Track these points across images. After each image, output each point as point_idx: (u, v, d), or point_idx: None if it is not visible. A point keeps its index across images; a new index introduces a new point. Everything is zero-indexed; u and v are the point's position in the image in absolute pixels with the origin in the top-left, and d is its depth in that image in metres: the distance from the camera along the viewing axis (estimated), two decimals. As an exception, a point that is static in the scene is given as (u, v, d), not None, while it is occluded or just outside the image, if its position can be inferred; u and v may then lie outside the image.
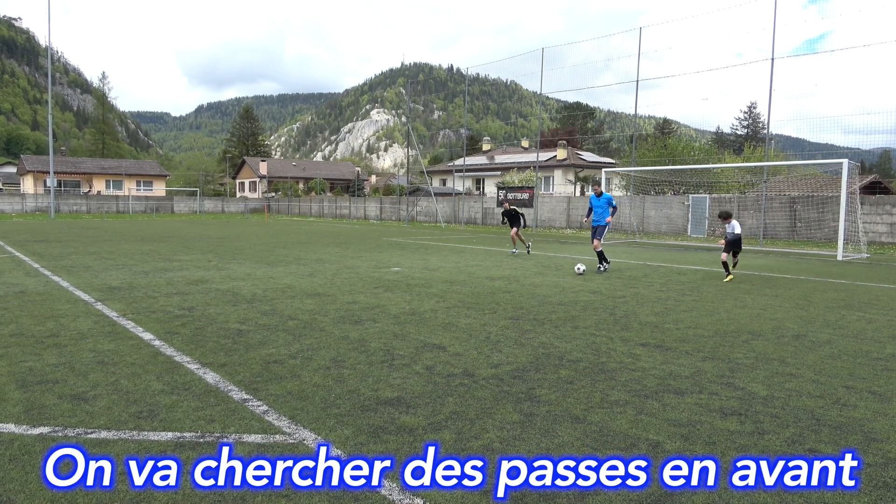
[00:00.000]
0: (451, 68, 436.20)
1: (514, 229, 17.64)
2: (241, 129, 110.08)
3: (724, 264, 11.90)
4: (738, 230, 12.07)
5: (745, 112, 78.97)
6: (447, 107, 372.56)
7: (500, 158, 63.29)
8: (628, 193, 32.63)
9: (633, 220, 30.38)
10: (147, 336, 6.36)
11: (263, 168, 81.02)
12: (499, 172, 55.20)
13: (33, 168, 69.03)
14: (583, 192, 50.88)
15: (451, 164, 64.97)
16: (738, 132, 78.46)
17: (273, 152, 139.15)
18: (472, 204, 42.87)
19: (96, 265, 13.00)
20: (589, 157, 59.56)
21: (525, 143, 71.86)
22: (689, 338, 6.68)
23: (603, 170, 27.53)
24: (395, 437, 3.74)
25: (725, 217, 12.24)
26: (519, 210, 17.95)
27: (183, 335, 6.41)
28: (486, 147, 75.04)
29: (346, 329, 6.85)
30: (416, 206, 46.71)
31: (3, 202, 54.38)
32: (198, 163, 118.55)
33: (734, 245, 12.10)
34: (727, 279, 11.68)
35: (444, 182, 65.11)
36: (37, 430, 3.77)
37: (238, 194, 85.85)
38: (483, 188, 60.50)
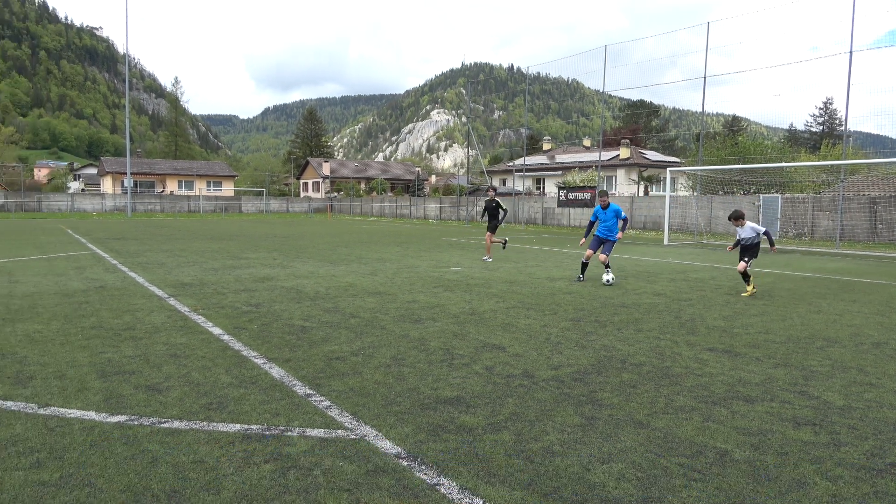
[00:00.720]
0: (511, 67, 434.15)
1: (490, 234, 15.33)
2: (306, 130, 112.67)
3: (744, 275, 9.95)
4: (752, 233, 10.00)
5: (821, 108, 75.45)
6: (507, 106, 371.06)
7: (561, 158, 62.57)
8: (695, 193, 31.68)
9: (701, 220, 29.46)
10: (216, 331, 6.59)
11: (326, 168, 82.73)
12: (559, 172, 54.59)
13: (112, 169, 72.69)
14: (646, 192, 49.72)
15: (511, 163, 64.66)
16: (813, 129, 75.02)
17: (336, 153, 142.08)
18: (532, 204, 42.54)
19: (169, 262, 13.56)
20: (653, 156, 58.15)
21: (587, 142, 70.78)
22: (760, 343, 6.42)
23: (668, 169, 26.82)
24: (454, 437, 3.75)
25: (737, 218, 10.06)
26: (503, 205, 15.39)
27: (250, 331, 6.62)
28: (546, 146, 74.32)
29: (406, 328, 6.91)
30: (475, 205, 46.72)
31: (85, 202, 57.48)
32: (264, 164, 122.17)
33: (749, 252, 10.02)
34: (748, 293, 9.79)
35: (503, 182, 64.87)
36: (115, 419, 3.96)
37: (302, 194, 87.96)
38: (543, 188, 59.95)
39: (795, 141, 66.07)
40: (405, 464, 3.36)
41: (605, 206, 11.58)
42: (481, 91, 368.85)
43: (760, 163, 31.57)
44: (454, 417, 4.08)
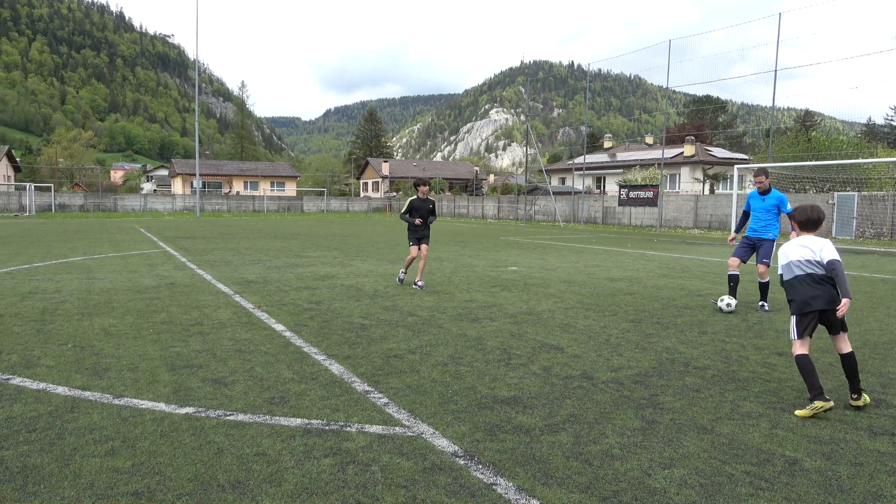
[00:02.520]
0: (571, 65, 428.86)
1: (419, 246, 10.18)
2: (366, 131, 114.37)
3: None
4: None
5: (903, 101, 71.22)
6: (567, 104, 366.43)
7: (623, 156, 61.35)
8: (763, 191, 30.45)
9: (769, 219, 28.30)
10: (279, 327, 6.77)
11: (385, 168, 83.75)
12: (620, 170, 53.54)
13: (182, 171, 75.69)
14: (712, 190, 48.19)
15: (571, 162, 63.84)
16: (894, 123, 70.97)
17: (395, 153, 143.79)
18: (593, 203, 41.88)
19: (235, 260, 14.01)
20: (719, 153, 56.28)
21: (649, 140, 69.15)
22: (832, 348, 6.11)
23: (735, 166, 25.90)
24: (511, 437, 3.73)
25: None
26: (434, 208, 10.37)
27: (311, 327, 6.76)
28: (607, 144, 73.03)
29: (463, 327, 6.92)
30: (533, 205, 46.36)
31: (157, 202, 60.06)
32: (325, 164, 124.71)
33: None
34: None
35: (562, 181, 64.13)
36: (183, 410, 4.12)
37: (362, 194, 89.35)
38: (604, 187, 58.93)
39: (874, 136, 62.71)
40: (462, 462, 3.36)
41: (765, 192, 8.45)
42: (540, 89, 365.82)
43: (835, 159, 30.11)
44: (511, 417, 4.06)
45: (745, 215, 8.69)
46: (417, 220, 10.06)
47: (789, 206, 8.25)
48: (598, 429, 3.88)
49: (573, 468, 3.31)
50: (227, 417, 4.00)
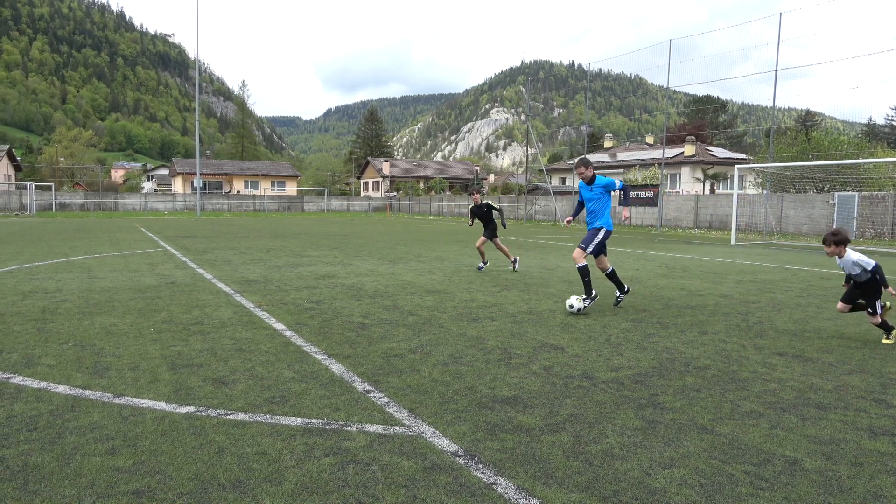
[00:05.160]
0: (572, 65, 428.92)
1: (483, 238, 12.49)
2: (366, 130, 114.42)
3: (882, 325, 6.50)
4: (857, 269, 6.47)
5: (904, 101, 71.18)
6: (567, 104, 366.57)
7: (623, 156, 61.34)
8: (765, 191, 30.46)
9: (771, 219, 28.33)
10: (279, 326, 6.77)
11: (386, 168, 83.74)
12: (621, 170, 53.52)
13: (183, 170, 75.70)
14: (712, 190, 48.18)
15: (571, 161, 63.82)
16: (895, 123, 70.89)
17: (395, 153, 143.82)
18: (593, 202, 41.86)
19: (235, 259, 14.02)
20: (720, 152, 56.28)
21: (649, 140, 69.14)
22: (833, 348, 6.13)
23: (736, 166, 25.89)
24: (511, 436, 3.73)
25: (839, 244, 6.47)
26: (495, 206, 12.70)
27: (311, 327, 6.77)
28: (608, 144, 73.01)
29: (463, 326, 6.92)
30: (534, 204, 46.37)
31: (158, 201, 60.06)
32: (326, 164, 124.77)
33: (870, 293, 6.50)
34: (890, 341, 6.41)
35: (563, 180, 64.13)
36: (184, 409, 4.12)
37: (362, 193, 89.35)
38: (604, 186, 58.83)
39: (875, 136, 62.63)
40: (462, 462, 3.37)
41: (590, 181, 8.16)
42: (541, 89, 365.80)
43: (836, 159, 30.09)
44: (511, 417, 4.06)
45: (580, 205, 8.60)
46: (470, 223, 13.32)
47: (618, 183, 8.18)
48: (598, 428, 3.88)
49: (573, 468, 3.31)
50: (228, 417, 4.01)
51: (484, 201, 12.72)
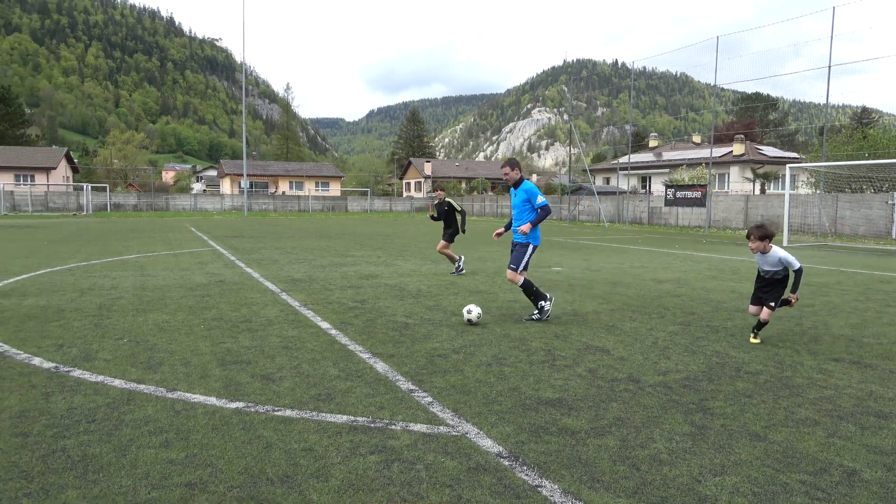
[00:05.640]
0: (615, 63, 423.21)
1: (443, 241, 11.95)
2: (408, 131, 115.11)
3: (760, 324, 6.38)
4: (779, 265, 6.30)
5: (969, 96, 67.92)
6: (611, 103, 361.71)
7: (669, 155, 60.17)
8: (818, 191, 29.47)
9: (825, 220, 27.40)
10: (324, 325, 6.87)
11: (428, 168, 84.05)
12: (667, 170, 52.51)
13: (230, 171, 77.45)
14: (763, 190, 46.85)
15: (615, 161, 62.90)
16: (959, 120, 67.69)
17: (437, 153, 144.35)
18: (638, 203, 41.21)
19: (281, 259, 14.27)
20: (770, 151, 54.68)
21: (696, 139, 67.67)
22: (894, 355, 5.88)
23: (787, 166, 25.12)
24: (556, 439, 3.70)
25: (762, 238, 6.21)
26: (456, 207, 11.97)
27: (356, 326, 6.84)
28: (652, 143, 71.73)
29: (507, 327, 6.89)
30: (577, 205, 45.89)
31: (206, 202, 61.60)
32: (368, 164, 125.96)
33: (774, 290, 6.36)
34: (755, 340, 6.34)
35: (607, 180, 63.29)
36: (233, 405, 4.21)
37: (405, 194, 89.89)
38: (649, 186, 57.91)
39: (937, 133, 59.93)
40: (506, 463, 3.35)
41: (516, 183, 7.45)
42: (584, 88, 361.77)
43: (894, 157, 28.89)
44: (556, 419, 4.02)
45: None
46: (433, 215, 12.26)
47: (540, 200, 7.18)
48: (645, 433, 3.81)
49: (620, 472, 3.26)
50: (276, 413, 4.08)
51: (446, 199, 11.97)
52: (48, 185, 57.21)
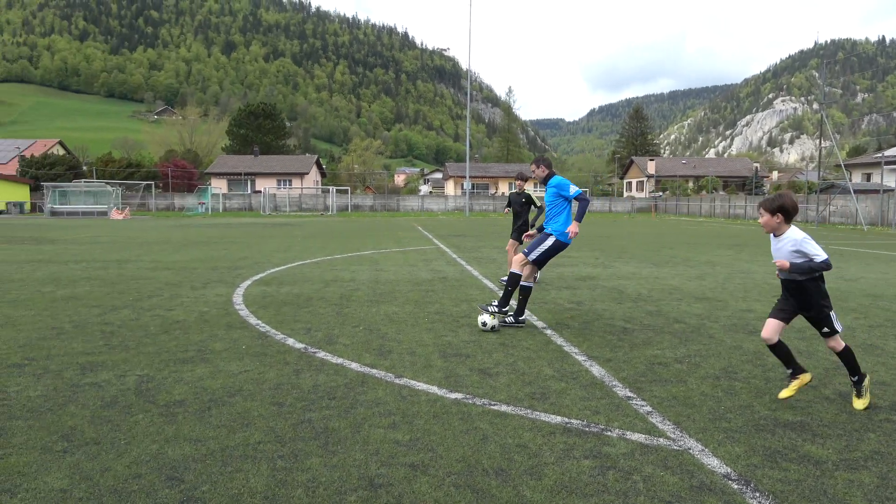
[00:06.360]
0: (881, 41, 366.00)
1: (512, 240, 10.28)
2: (631, 129, 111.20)
3: (774, 348, 4.30)
4: (796, 256, 4.22)
5: None
6: (874, 87, 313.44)
7: (952, 145, 50.33)
8: None
9: None
10: (540, 324, 6.90)
11: (651, 167, 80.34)
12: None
13: (454, 173, 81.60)
14: None
15: (879, 155, 54.28)
16: None
17: (661, 151, 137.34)
18: (907, 203, 35.11)
19: (500, 258, 14.66)
20: None
21: None
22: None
23: None
24: (797, 467, 3.29)
25: (774, 211, 4.22)
26: (536, 201, 10.20)
27: (572, 328, 6.77)
28: (929, 132, 60.60)
29: (739, 338, 6.32)
30: (828, 205, 40.47)
31: (432, 202, 65.69)
32: (588, 164, 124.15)
33: (803, 298, 4.32)
34: (788, 392, 4.36)
35: (867, 177, 54.93)
36: (453, 395, 4.42)
37: (625, 194, 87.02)
38: (923, 183, 49.04)
39: None
40: (735, 486, 3.06)
41: (544, 180, 6.97)
42: (839, 72, 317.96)
43: None
44: (797, 445, 3.58)
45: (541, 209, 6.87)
46: (505, 211, 10.74)
47: (573, 189, 6.65)
48: (914, 473, 3.22)
49: (879, 515, 2.80)
50: (492, 407, 4.19)
51: (525, 191, 10.23)
52: (302, 188, 65.52)
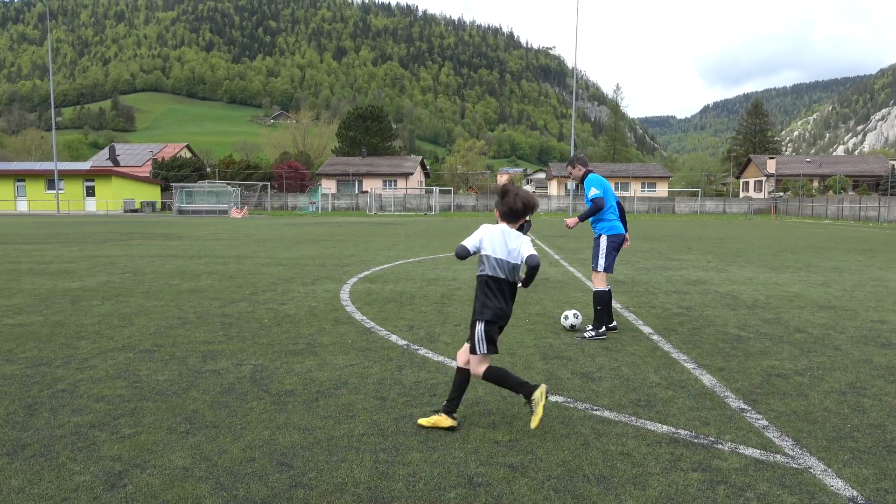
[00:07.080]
0: None
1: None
2: (749, 125, 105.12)
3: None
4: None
5: None
6: None
7: None
8: None
9: None
10: (646, 329, 6.66)
11: (771, 166, 75.51)
12: None
13: (557, 174, 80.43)
14: None
15: None
16: None
17: (783, 148, 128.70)
18: None
19: (604, 259, 14.30)
20: None
21: None
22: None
23: None
24: (937, 496, 2.98)
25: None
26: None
27: (680, 333, 6.49)
28: None
29: (868, 351, 5.80)
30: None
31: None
32: (700, 163, 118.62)
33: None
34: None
35: None
36: (553, 399, 4.35)
37: (741, 194, 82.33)
38: None
39: None
40: (864, 512, 2.82)
41: (580, 178, 6.70)
42: None
43: None
44: (938, 471, 3.24)
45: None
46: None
47: (593, 192, 6.43)
48: None
49: None
50: (594, 412, 4.09)
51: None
52: (406, 188, 67.02)
